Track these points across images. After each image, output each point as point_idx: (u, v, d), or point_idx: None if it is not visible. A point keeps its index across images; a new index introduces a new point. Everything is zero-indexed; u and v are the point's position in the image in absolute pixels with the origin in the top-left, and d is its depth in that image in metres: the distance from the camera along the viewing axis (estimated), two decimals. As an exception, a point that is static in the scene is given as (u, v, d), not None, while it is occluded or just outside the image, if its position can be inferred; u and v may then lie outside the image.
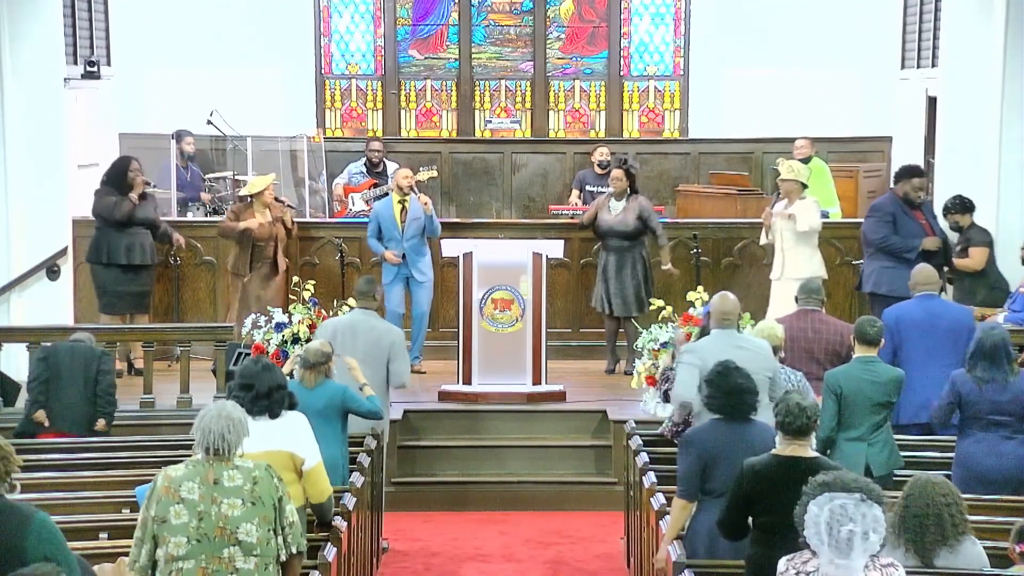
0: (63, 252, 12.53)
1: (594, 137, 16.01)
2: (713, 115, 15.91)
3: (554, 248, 11.45)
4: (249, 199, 12.35)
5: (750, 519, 6.24)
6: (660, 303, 10.87)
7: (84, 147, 13.55)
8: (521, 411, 11.01)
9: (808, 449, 6.26)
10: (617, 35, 16.16)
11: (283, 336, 10.75)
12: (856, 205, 14.09)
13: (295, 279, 11.32)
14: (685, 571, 6.34)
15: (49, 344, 10.05)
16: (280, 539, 5.78)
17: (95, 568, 6.17)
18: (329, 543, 6.85)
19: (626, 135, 16.11)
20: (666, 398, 8.86)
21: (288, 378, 7.75)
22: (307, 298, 10.94)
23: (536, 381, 11.11)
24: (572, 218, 13.22)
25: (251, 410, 6.68)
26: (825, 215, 12.37)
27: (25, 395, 9.91)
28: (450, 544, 9.83)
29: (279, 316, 10.84)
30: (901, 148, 14.88)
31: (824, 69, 15.67)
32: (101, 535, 7.07)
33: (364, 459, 8.51)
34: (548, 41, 16.20)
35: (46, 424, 9.49)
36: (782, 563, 5.03)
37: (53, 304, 12.37)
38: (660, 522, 7.23)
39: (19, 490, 5.67)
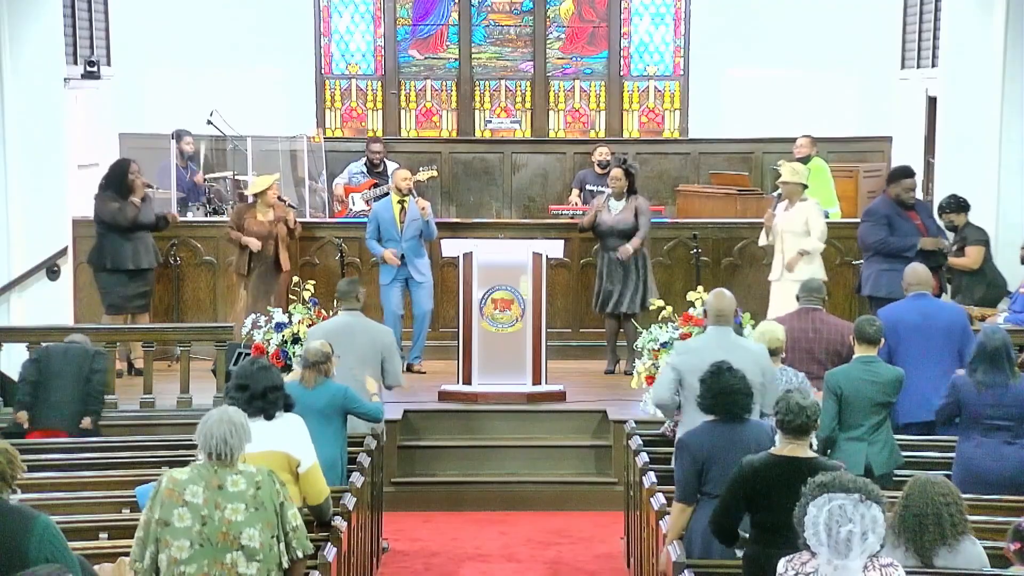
0: (63, 252, 12.53)
1: (594, 137, 16.02)
2: (713, 115, 15.92)
3: (554, 248, 11.44)
4: (252, 199, 12.37)
5: (748, 518, 6.23)
6: (660, 303, 10.87)
7: (84, 147, 13.57)
8: (521, 411, 11.00)
9: (807, 449, 6.26)
10: (617, 35, 16.17)
11: (283, 336, 10.75)
12: (856, 205, 14.07)
13: (295, 279, 11.32)
14: (685, 571, 6.34)
15: (43, 346, 10.06)
16: (282, 545, 5.76)
17: (95, 568, 6.17)
18: (329, 543, 6.84)
19: (626, 135, 16.13)
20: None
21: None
22: (307, 298, 10.95)
23: (536, 381, 11.10)
24: (572, 218, 13.22)
25: (247, 411, 6.63)
26: (825, 215, 12.36)
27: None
28: (450, 544, 9.83)
29: (279, 316, 10.84)
30: (901, 148, 14.89)
31: (824, 69, 15.67)
32: (101, 535, 7.05)
33: (364, 459, 8.51)
34: (548, 41, 16.21)
35: (25, 426, 9.50)
36: (781, 564, 5.02)
37: (53, 304, 12.36)
38: (660, 522, 7.23)
39: (19, 492, 5.67)
